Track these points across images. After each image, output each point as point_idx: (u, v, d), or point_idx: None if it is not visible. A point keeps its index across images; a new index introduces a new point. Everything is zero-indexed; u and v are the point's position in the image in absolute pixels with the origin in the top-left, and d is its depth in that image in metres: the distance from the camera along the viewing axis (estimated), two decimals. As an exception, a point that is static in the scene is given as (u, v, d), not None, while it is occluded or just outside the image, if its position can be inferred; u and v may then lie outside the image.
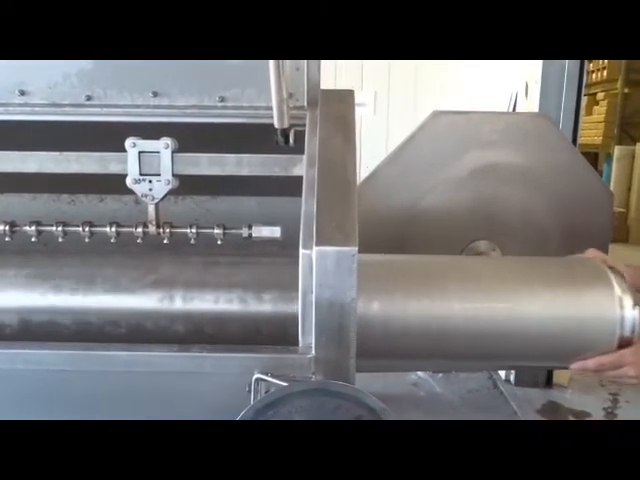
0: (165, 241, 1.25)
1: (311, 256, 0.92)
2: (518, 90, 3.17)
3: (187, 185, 1.34)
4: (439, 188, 1.73)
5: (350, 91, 1.29)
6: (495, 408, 2.43)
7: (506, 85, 3.43)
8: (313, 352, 0.92)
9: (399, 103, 4.66)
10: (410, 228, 1.73)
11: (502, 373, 2.85)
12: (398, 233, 1.72)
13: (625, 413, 2.28)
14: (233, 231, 1.26)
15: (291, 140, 1.21)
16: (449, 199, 1.74)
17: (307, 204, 1.02)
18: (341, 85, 4.53)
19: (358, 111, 4.48)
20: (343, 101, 1.24)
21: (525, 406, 2.39)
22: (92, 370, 0.97)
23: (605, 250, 1.82)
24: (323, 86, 1.35)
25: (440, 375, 2.76)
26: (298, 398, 0.76)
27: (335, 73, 4.44)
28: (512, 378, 2.73)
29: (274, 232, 1.23)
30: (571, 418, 2.26)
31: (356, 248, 0.91)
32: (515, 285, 1.25)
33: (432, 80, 4.58)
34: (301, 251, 0.94)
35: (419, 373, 2.80)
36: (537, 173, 1.76)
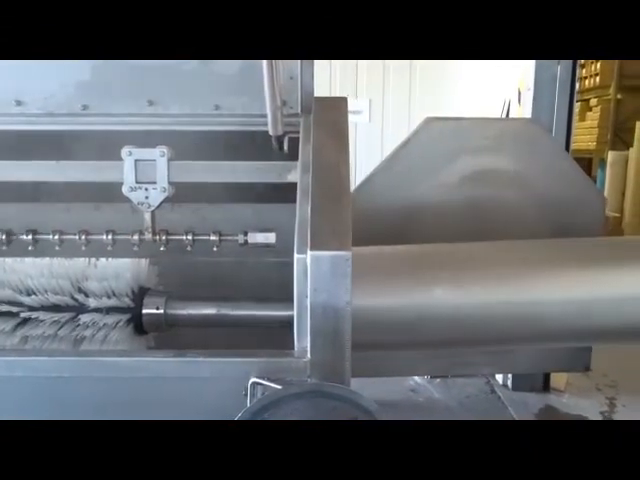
0: (162, 248, 1.27)
1: (306, 261, 0.94)
2: (511, 97, 3.20)
3: (183, 193, 1.35)
4: (433, 193, 1.74)
5: (343, 98, 1.30)
6: (493, 413, 2.43)
7: (499, 92, 3.46)
8: (309, 355, 0.93)
9: (394, 111, 4.69)
10: (404, 232, 1.74)
11: (499, 378, 2.85)
12: (393, 237, 1.73)
13: (622, 417, 2.29)
14: (229, 237, 1.27)
15: (285, 147, 1.23)
16: (443, 203, 1.76)
17: (301, 209, 1.03)
18: (336, 94, 4.55)
19: (353, 119, 4.50)
20: (336, 108, 1.25)
21: (522, 411, 2.39)
22: (89, 376, 0.98)
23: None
24: (318, 95, 1.36)
25: (438, 380, 2.76)
26: (294, 400, 0.77)
27: (330, 82, 4.47)
28: (509, 383, 2.73)
29: (269, 238, 1.24)
30: (569, 422, 2.26)
31: (350, 252, 0.92)
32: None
33: (426, 88, 4.62)
34: (296, 256, 0.95)
35: (417, 379, 2.80)
36: (529, 177, 1.78)
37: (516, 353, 1.92)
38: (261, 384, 0.89)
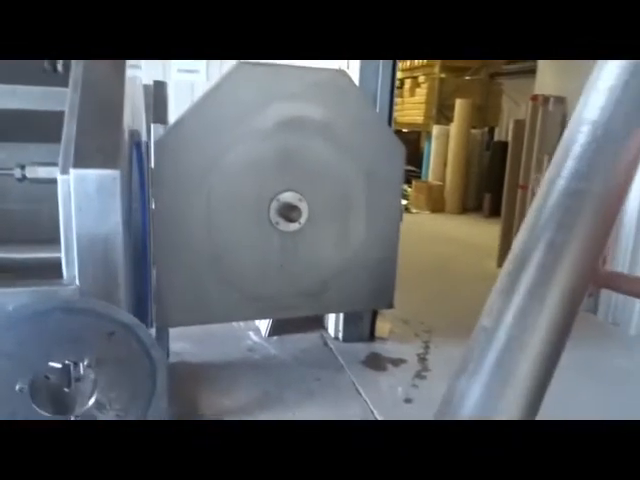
0: None
1: (69, 181, 0.86)
2: (341, 67, 3.33)
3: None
4: (244, 140, 1.73)
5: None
6: (325, 363, 2.54)
7: (332, 62, 3.58)
8: (77, 283, 0.86)
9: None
10: (216, 180, 1.70)
11: (332, 331, 3.00)
12: (204, 185, 1.69)
13: (434, 357, 2.55)
14: (3, 172, 1.14)
15: (59, 67, 1.12)
16: (254, 151, 1.76)
17: (68, 128, 0.94)
18: (171, 53, 4.33)
19: (190, 78, 4.32)
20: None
21: (351, 359, 2.54)
22: None
23: (399, 192, 1.98)
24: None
25: (275, 338, 2.82)
26: (50, 316, 0.70)
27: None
28: (340, 336, 2.89)
29: (51, 173, 1.13)
30: (390, 365, 2.46)
31: (118, 171, 0.87)
32: None
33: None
34: (59, 177, 0.87)
35: (254, 337, 2.83)
36: (338, 126, 1.85)
37: (328, 296, 2.01)
38: (20, 314, 0.81)
